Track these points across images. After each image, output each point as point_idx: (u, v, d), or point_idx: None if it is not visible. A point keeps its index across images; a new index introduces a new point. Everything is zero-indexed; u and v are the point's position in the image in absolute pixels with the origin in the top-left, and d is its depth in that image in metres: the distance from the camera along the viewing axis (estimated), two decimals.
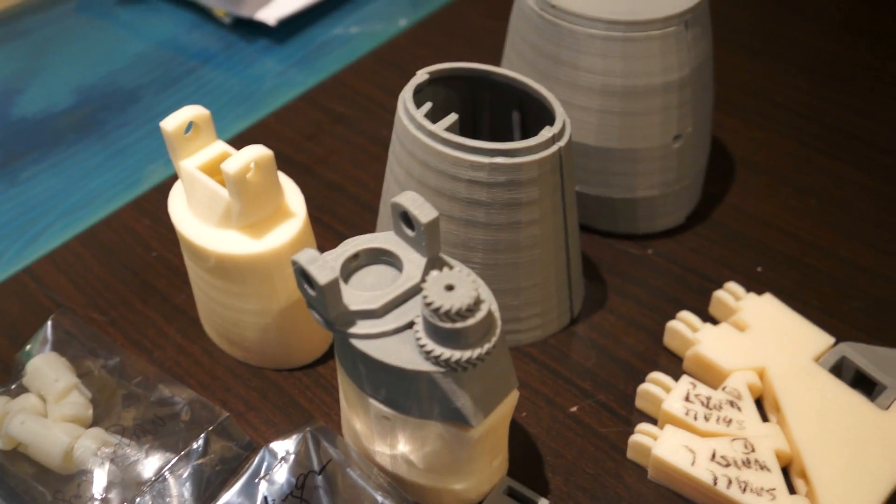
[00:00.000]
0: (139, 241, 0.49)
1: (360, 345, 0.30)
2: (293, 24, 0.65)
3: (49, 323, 0.42)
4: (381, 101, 0.57)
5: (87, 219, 0.50)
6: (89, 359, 0.41)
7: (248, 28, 0.65)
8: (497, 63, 0.48)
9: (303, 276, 0.30)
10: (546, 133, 0.36)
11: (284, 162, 0.53)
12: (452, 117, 0.38)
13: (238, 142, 0.55)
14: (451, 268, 0.32)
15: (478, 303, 0.29)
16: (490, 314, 0.30)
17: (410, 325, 0.31)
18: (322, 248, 0.47)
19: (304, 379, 0.42)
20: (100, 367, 0.41)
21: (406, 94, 0.38)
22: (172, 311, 0.45)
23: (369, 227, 0.49)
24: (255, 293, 0.38)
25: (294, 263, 0.30)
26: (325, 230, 0.49)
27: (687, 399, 0.37)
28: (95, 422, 0.38)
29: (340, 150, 0.54)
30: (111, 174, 0.53)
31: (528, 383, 0.41)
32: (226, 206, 0.36)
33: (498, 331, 0.30)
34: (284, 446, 0.36)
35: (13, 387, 0.40)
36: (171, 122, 0.36)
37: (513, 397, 0.33)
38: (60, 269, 0.47)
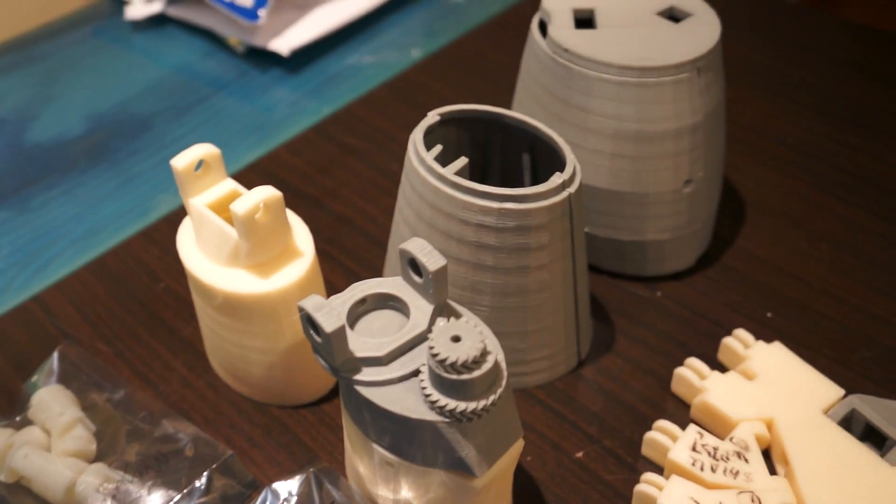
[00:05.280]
0: (147, 271, 0.49)
1: (365, 392, 0.30)
2: (307, 54, 0.66)
3: (55, 354, 0.42)
4: (392, 133, 0.58)
5: (97, 247, 0.51)
6: (94, 392, 0.41)
7: (262, 57, 0.65)
8: (509, 98, 0.48)
9: (309, 322, 0.30)
10: (556, 179, 0.35)
11: (294, 195, 0.53)
12: (462, 161, 0.38)
13: (249, 173, 0.55)
14: (458, 316, 0.32)
15: (484, 354, 0.29)
16: (496, 365, 0.29)
17: (416, 373, 0.30)
18: (330, 283, 0.47)
19: (308, 417, 0.41)
20: (105, 400, 0.41)
21: (416, 136, 0.38)
22: (179, 344, 0.45)
23: (377, 262, 0.49)
24: (261, 332, 0.38)
25: (301, 310, 0.30)
26: (334, 265, 0.49)
27: (694, 449, 0.37)
28: (99, 456, 0.38)
29: (351, 182, 0.54)
30: (121, 203, 0.54)
31: (534, 427, 0.40)
32: (234, 245, 0.36)
33: (504, 382, 0.30)
34: (287, 487, 0.36)
35: (18, 419, 0.39)
36: (182, 160, 0.36)
37: (518, 446, 0.33)
38: (68, 298, 0.47)
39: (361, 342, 0.31)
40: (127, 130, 0.59)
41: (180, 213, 0.52)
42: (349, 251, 0.49)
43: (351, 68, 0.65)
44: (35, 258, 0.50)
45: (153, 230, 0.51)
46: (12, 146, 0.58)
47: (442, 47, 0.66)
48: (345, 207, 0.52)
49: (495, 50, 0.65)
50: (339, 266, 0.49)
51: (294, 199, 0.53)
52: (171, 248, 0.49)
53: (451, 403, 0.29)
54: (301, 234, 0.38)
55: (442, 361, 0.28)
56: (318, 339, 0.30)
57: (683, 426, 0.38)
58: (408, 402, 0.30)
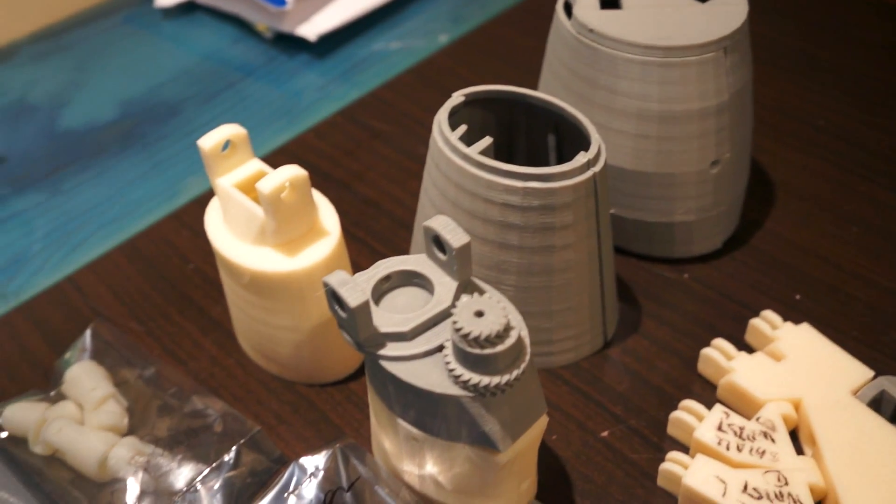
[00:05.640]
0: (177, 252, 0.49)
1: (390, 366, 0.30)
2: (334, 40, 0.66)
3: (88, 332, 0.43)
4: (418, 117, 0.58)
5: (128, 229, 0.51)
6: (126, 368, 0.42)
7: (290, 43, 0.66)
8: (535, 82, 0.48)
9: (334, 297, 0.30)
10: (581, 158, 0.35)
11: (322, 177, 0.53)
12: (487, 140, 0.38)
13: (277, 156, 0.55)
14: (481, 292, 0.32)
15: (507, 329, 0.29)
16: (519, 341, 0.30)
17: (440, 348, 0.31)
18: (356, 264, 0.48)
19: (335, 395, 0.42)
20: (136, 376, 0.42)
21: (441, 117, 0.38)
22: (208, 324, 0.45)
23: (404, 244, 0.49)
24: (288, 310, 0.38)
25: (325, 285, 0.30)
26: (360, 246, 0.49)
27: (720, 428, 0.37)
28: (130, 431, 0.39)
29: (377, 166, 0.54)
30: (151, 186, 0.54)
31: (560, 406, 0.41)
32: (261, 224, 0.37)
33: (527, 357, 0.30)
34: (314, 462, 0.36)
35: (52, 394, 0.40)
36: (209, 141, 0.37)
37: (542, 422, 0.33)
38: (101, 279, 0.48)
39: (386, 318, 0.31)
40: (157, 116, 0.60)
41: (209, 195, 0.52)
42: (376, 233, 0.50)
43: (378, 54, 0.65)
44: (68, 240, 0.51)
45: (183, 213, 0.52)
46: (46, 131, 0.59)
47: (468, 32, 0.66)
48: (371, 190, 0.53)
49: (521, 35, 0.65)
50: (365, 248, 0.49)
51: (321, 183, 0.53)
52: (200, 229, 0.49)
53: (475, 378, 0.29)
54: (327, 213, 0.39)
55: (465, 336, 0.28)
56: (343, 315, 0.30)
57: (710, 407, 0.38)
58: (432, 376, 0.30)
